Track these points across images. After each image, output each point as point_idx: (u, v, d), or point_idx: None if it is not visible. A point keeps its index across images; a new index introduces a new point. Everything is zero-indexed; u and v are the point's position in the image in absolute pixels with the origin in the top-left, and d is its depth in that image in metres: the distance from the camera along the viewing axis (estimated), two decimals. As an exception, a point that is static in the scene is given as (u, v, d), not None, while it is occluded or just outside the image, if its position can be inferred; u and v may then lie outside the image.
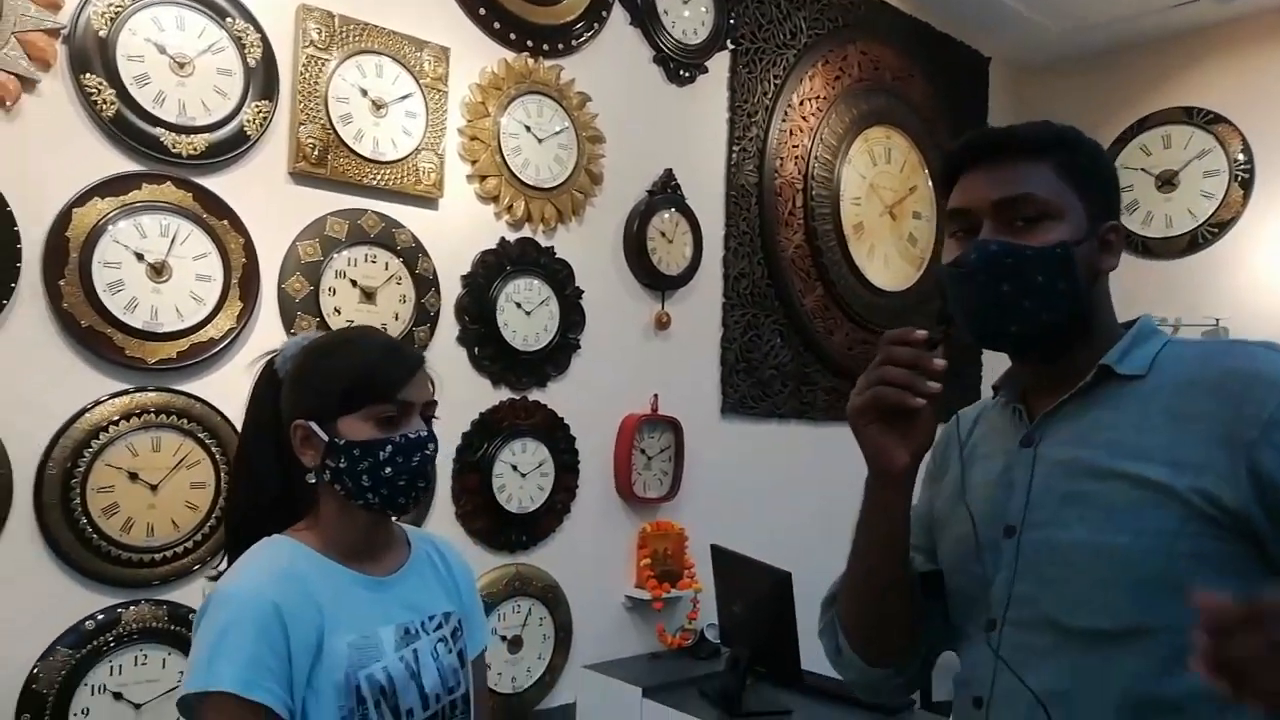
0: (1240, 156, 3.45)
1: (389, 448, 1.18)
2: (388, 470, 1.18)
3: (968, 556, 1.07)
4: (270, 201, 1.97)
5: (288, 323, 1.98)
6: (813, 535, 3.10)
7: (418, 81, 2.16)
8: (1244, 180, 3.44)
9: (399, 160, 2.13)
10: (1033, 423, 1.05)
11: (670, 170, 2.68)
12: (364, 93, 2.08)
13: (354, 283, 2.07)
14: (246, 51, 1.92)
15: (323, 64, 2.02)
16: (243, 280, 1.91)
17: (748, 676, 2.27)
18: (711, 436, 2.82)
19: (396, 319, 2.14)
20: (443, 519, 2.24)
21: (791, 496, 3.06)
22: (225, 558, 1.25)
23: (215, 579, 1.21)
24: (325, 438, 1.18)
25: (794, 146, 3.02)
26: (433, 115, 2.18)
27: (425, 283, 2.19)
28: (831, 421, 3.18)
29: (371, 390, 1.19)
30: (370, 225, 2.10)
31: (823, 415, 3.15)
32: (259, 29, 1.94)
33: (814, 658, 2.72)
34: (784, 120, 2.99)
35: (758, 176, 2.94)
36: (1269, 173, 3.39)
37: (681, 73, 2.74)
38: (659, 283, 2.66)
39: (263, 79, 1.94)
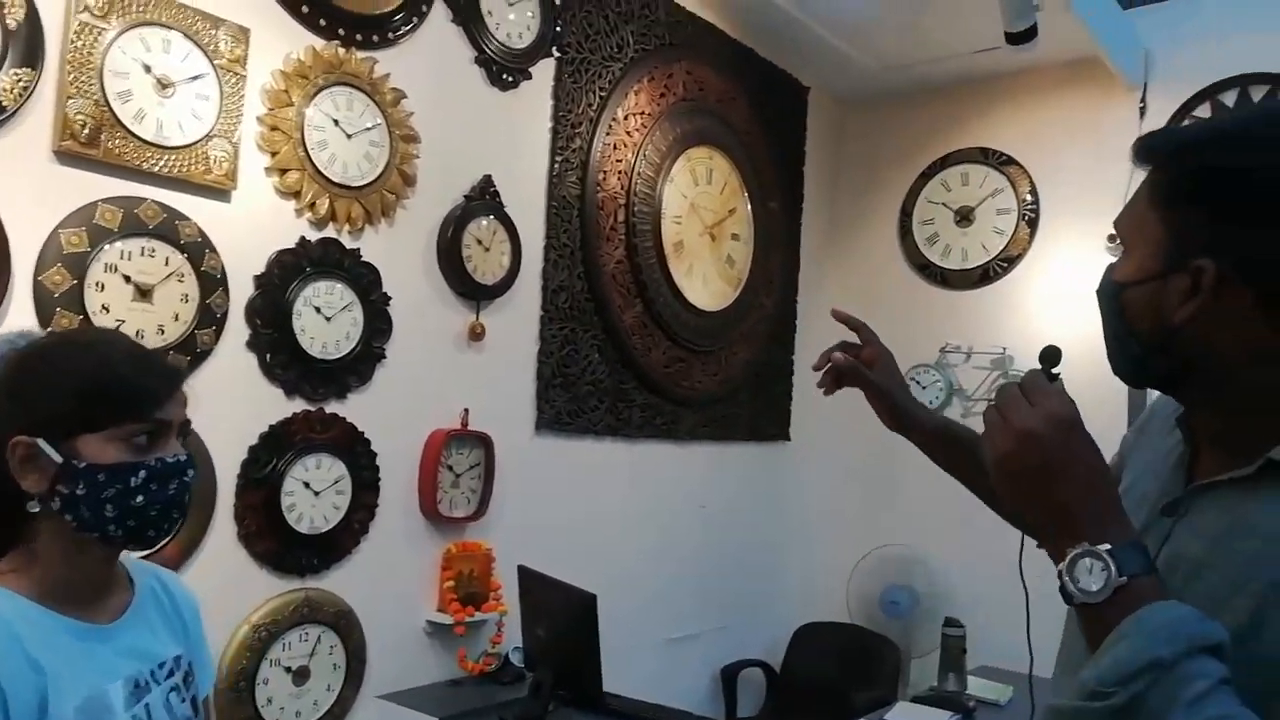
0: (1028, 197, 3.70)
1: (142, 473, 1.03)
2: (139, 499, 1.03)
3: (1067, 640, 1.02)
4: (29, 183, 1.75)
5: (44, 320, 1.76)
6: (626, 554, 3.09)
7: (211, 62, 1.98)
8: (1030, 219, 3.69)
9: (187, 146, 1.94)
10: (1188, 485, 0.90)
11: (489, 176, 2.59)
12: (147, 69, 1.88)
13: (127, 278, 1.86)
14: (6, 12, 1.69)
15: (99, 33, 1.81)
16: (-11, 270, 1.68)
17: (550, 701, 2.20)
18: (524, 453, 2.74)
19: (177, 319, 1.94)
20: (223, 540, 2.05)
21: (605, 515, 3.02)
22: None
23: None
24: (58, 459, 1.00)
25: (617, 161, 2.99)
26: (228, 100, 2.00)
27: (212, 281, 2.00)
28: (647, 439, 3.17)
29: (122, 406, 1.03)
30: (149, 215, 1.90)
31: (638, 433, 3.13)
32: (21, -13, 1.72)
33: (616, 679, 2.69)
34: (608, 134, 2.95)
35: (580, 189, 2.89)
36: (1051, 214, 3.65)
37: (505, 76, 2.65)
38: (474, 292, 2.55)
39: (24, 44, 1.72)
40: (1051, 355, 0.88)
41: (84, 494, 1.01)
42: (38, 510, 1.03)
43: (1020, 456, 0.80)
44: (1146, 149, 0.87)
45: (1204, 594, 0.79)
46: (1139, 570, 0.76)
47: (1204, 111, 3.38)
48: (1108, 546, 0.76)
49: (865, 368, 1.37)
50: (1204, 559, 0.81)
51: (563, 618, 2.23)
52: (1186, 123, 3.35)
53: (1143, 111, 3.49)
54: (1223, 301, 0.80)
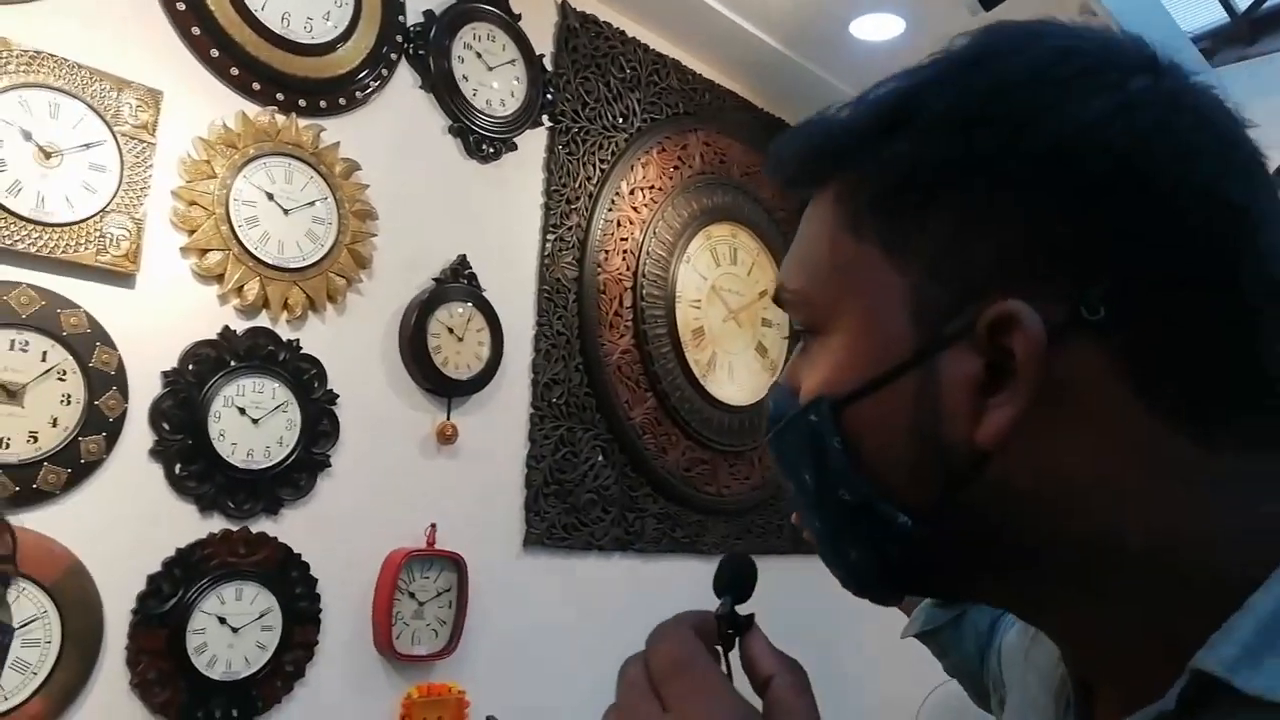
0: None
1: None
2: None
3: None
4: None
5: (-123, 427, 1.47)
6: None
7: (111, 128, 1.72)
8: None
9: (75, 223, 1.67)
10: None
11: (464, 256, 2.28)
12: (27, 136, 1.63)
13: (-10, 376, 1.57)
14: None
15: (-36, 94, 1.57)
16: None
17: None
18: (508, 574, 2.34)
19: (54, 424, 1.63)
20: (111, 691, 1.69)
21: (613, 645, 2.57)
22: None
23: None
24: None
25: (622, 239, 2.66)
26: (130, 171, 1.74)
27: (104, 379, 1.69)
28: (665, 554, 2.75)
29: None
30: (23, 303, 1.61)
31: (653, 547, 2.71)
32: None
33: None
34: (610, 209, 2.63)
35: (578, 270, 2.56)
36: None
37: (484, 147, 2.36)
38: (444, 388, 2.21)
39: None
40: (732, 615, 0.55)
41: None
42: None
43: None
44: (823, 153, 0.54)
45: None
46: None
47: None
48: None
49: None
50: None
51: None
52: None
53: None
54: (1064, 372, 0.43)
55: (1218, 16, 3.59)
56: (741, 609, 0.54)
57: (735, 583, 0.54)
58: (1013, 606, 0.53)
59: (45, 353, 1.63)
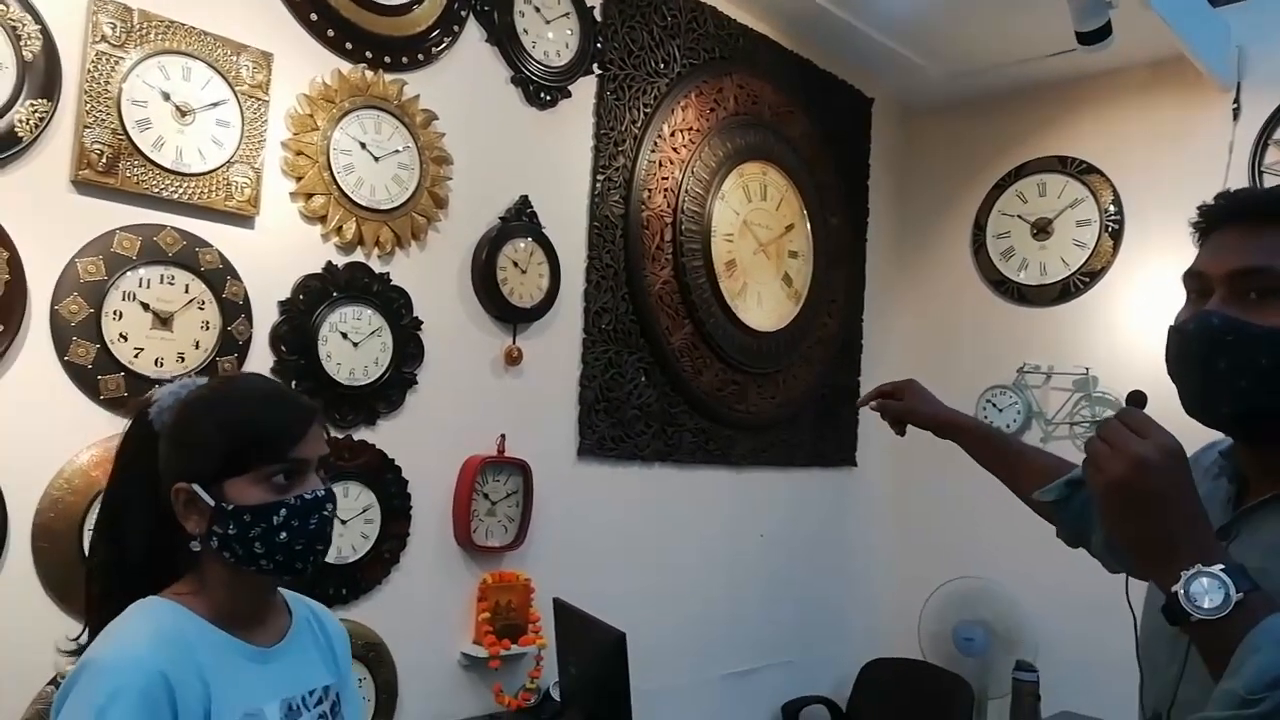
0: (1111, 207, 3.47)
1: (284, 511, 1.11)
2: (283, 535, 1.11)
3: (1144, 638, 1.07)
4: (46, 213, 1.75)
5: (61, 349, 1.76)
6: (678, 585, 2.98)
7: (233, 88, 1.97)
8: (1114, 231, 3.46)
9: (207, 173, 1.93)
10: (1237, 511, 0.99)
11: (526, 197, 2.53)
12: (166, 97, 1.88)
13: (145, 306, 1.85)
14: (22, 44, 1.71)
15: (116, 62, 1.81)
16: (5, 300, 1.68)
17: (581, 744, 2.10)
18: (565, 480, 2.65)
19: (197, 347, 1.92)
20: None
21: (655, 544, 2.91)
22: (85, 628, 1.16)
23: (77, 652, 1.11)
24: (211, 502, 1.10)
25: (663, 179, 2.91)
26: (249, 126, 1.99)
27: (234, 308, 1.98)
28: (699, 465, 3.06)
29: (261, 449, 1.11)
30: (169, 243, 1.89)
31: (689, 458, 3.01)
32: (38, 19, 1.72)
33: (669, 716, 2.57)
34: (653, 151, 2.87)
35: (624, 208, 2.81)
36: (1136, 225, 3.41)
37: (542, 95, 2.60)
38: (510, 315, 2.49)
39: (41, 75, 1.73)
40: (1139, 398, 0.95)
41: (234, 534, 1.10)
42: (199, 549, 1.13)
43: (1132, 483, 0.86)
44: None
45: (1272, 594, 0.84)
46: (1251, 587, 0.82)
47: (1305, 110, 3.11)
48: (1222, 566, 0.83)
49: (895, 401, 1.60)
50: (1263, 566, 0.87)
51: (594, 656, 2.13)
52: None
53: (1236, 114, 3.24)
54: None
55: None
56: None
57: (1138, 398, 0.95)
58: (1262, 440, 0.97)
59: (188, 285, 1.91)
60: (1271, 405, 0.93)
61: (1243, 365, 0.92)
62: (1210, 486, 1.03)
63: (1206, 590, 0.82)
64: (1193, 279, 1.00)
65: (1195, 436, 1.06)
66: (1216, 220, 1.00)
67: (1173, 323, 1.01)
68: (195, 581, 1.15)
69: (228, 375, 1.87)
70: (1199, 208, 1.04)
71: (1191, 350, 0.95)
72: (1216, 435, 1.09)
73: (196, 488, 1.10)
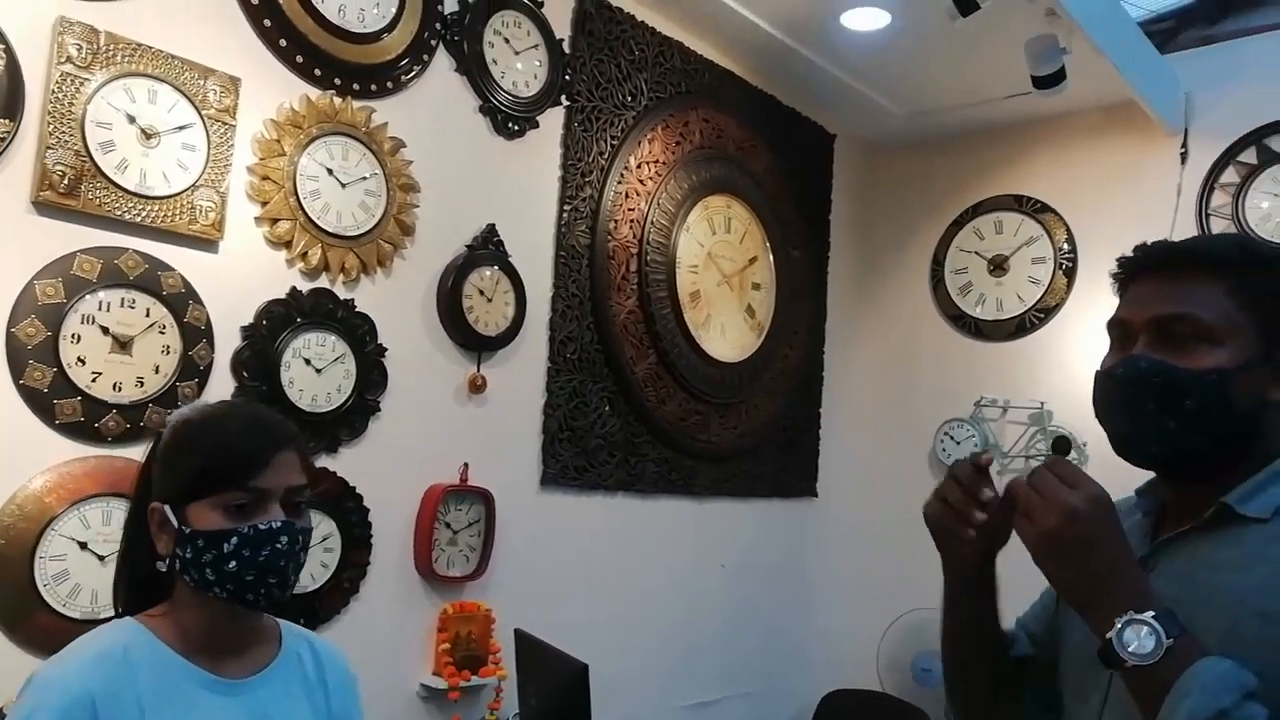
0: (1065, 245, 3.56)
1: (234, 540, 1.10)
2: (232, 564, 1.09)
3: (1064, 669, 1.11)
4: (4, 233, 1.72)
5: (16, 372, 1.72)
6: (640, 616, 2.97)
7: (199, 112, 1.96)
8: (1068, 269, 3.54)
9: (171, 196, 1.91)
10: (1155, 542, 1.04)
11: (493, 225, 2.54)
12: (131, 119, 1.86)
13: (105, 329, 1.83)
14: (-15, 63, 1.69)
15: (81, 84, 1.79)
16: (-41, 321, 1.65)
17: (542, 778, 2.08)
18: (528, 510, 2.64)
19: (157, 372, 1.90)
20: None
21: (617, 574, 2.91)
22: None
23: None
24: (175, 524, 1.11)
25: (630, 209, 2.93)
26: (215, 150, 1.98)
27: (195, 333, 1.96)
28: (662, 494, 3.06)
29: (221, 476, 1.11)
30: (130, 266, 1.87)
31: (652, 488, 3.02)
32: (2, 39, 1.70)
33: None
34: (620, 182, 2.89)
35: (590, 238, 2.82)
36: (1089, 263, 3.50)
37: (511, 125, 2.61)
38: (475, 343, 2.49)
39: (4, 95, 1.70)
40: (1064, 445, 1.03)
41: (189, 557, 1.10)
42: (164, 570, 1.13)
43: (1063, 532, 0.91)
44: (1241, 255, 0.99)
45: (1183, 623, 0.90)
46: (1179, 632, 0.86)
47: (1249, 157, 3.22)
48: (1152, 613, 0.87)
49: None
50: (1177, 596, 0.93)
51: (555, 687, 2.12)
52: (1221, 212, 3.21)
53: (1184, 157, 3.35)
54: None
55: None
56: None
57: (1061, 445, 1.03)
58: (1187, 477, 1.02)
59: (149, 310, 1.89)
60: (1197, 446, 0.97)
61: (1170, 407, 0.96)
62: (1136, 526, 1.08)
63: (1139, 637, 0.85)
64: (1116, 327, 1.04)
65: (1128, 478, 1.12)
66: (1135, 271, 1.04)
67: (1098, 369, 1.05)
68: (169, 605, 1.15)
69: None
70: (1118, 260, 1.08)
71: (1121, 394, 0.99)
72: (1145, 475, 1.12)
73: (166, 508, 1.12)
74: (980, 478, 1.05)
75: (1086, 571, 0.90)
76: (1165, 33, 3.85)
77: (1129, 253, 1.05)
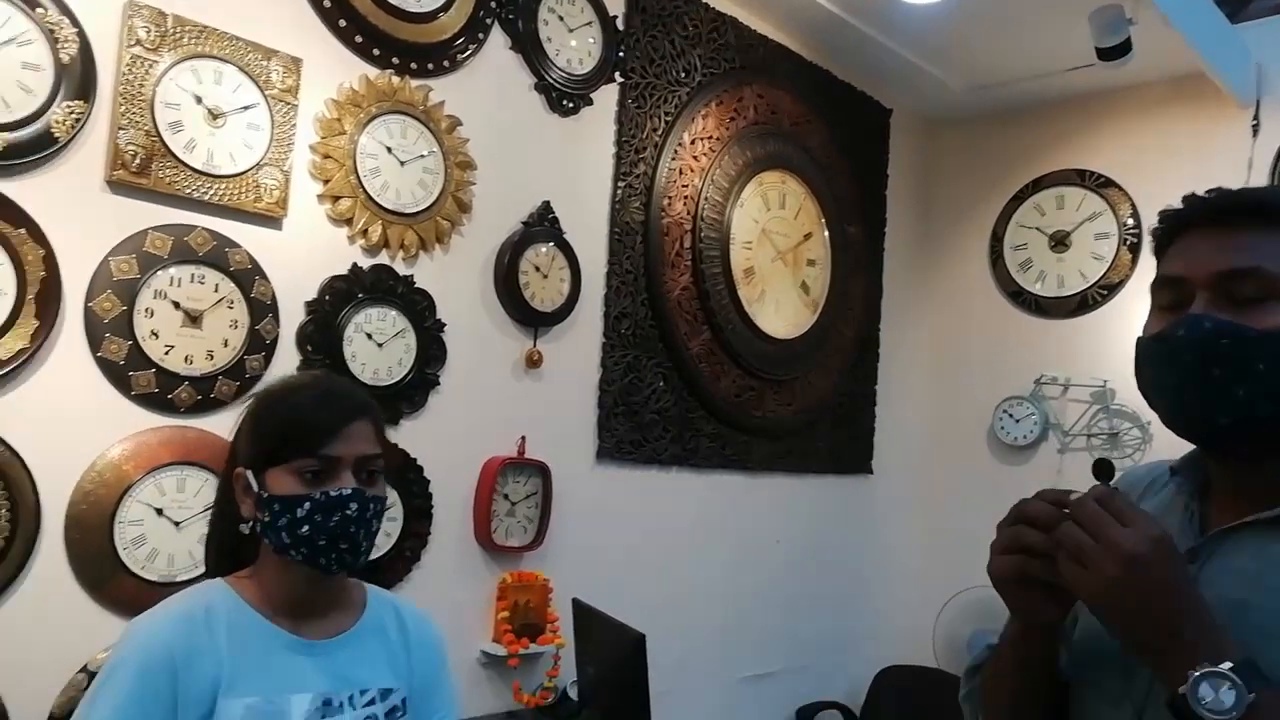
0: (1129, 220, 3.48)
1: (306, 505, 1.14)
2: (305, 529, 1.14)
3: (1102, 665, 0.95)
4: (80, 212, 1.79)
5: (94, 345, 1.79)
6: (694, 588, 2.99)
7: (263, 92, 2.01)
8: (1132, 244, 3.46)
9: (237, 175, 1.97)
10: (1204, 534, 0.92)
11: (548, 202, 2.56)
12: (198, 100, 1.92)
13: (176, 304, 1.89)
14: (60, 46, 1.75)
15: (150, 65, 1.85)
16: (41, 296, 1.72)
17: (598, 744, 2.12)
18: (584, 482, 2.68)
19: (225, 345, 1.96)
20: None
21: (672, 547, 2.93)
22: None
23: None
24: (256, 489, 1.17)
25: (683, 186, 2.93)
26: (279, 129, 2.03)
27: (262, 308, 2.01)
28: (715, 469, 3.08)
29: (296, 443, 1.16)
30: (199, 243, 1.93)
31: (705, 463, 3.03)
32: (75, 22, 1.77)
33: (684, 718, 2.57)
34: (673, 159, 2.90)
35: (644, 215, 2.84)
36: (1155, 236, 3.41)
37: (565, 103, 2.63)
38: (531, 319, 2.52)
39: (78, 77, 1.77)
40: (1106, 469, 0.89)
41: (268, 520, 1.15)
42: (248, 532, 1.19)
43: (1127, 582, 0.80)
44: None
45: (1252, 629, 0.82)
46: (1262, 685, 0.77)
47: (1325, 124, 3.11)
48: (1230, 665, 0.77)
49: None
50: (1246, 599, 0.84)
51: (613, 656, 2.15)
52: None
53: (1255, 130, 3.25)
54: None
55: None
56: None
57: (1105, 468, 0.90)
58: (1242, 455, 0.91)
59: (217, 285, 1.95)
60: (1270, 415, 0.86)
61: (1240, 372, 0.85)
62: (1171, 506, 0.97)
63: (1216, 691, 0.77)
64: (1169, 286, 0.93)
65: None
66: (1186, 223, 0.93)
67: (1143, 335, 0.95)
68: (254, 567, 1.21)
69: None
70: (1162, 213, 0.98)
71: (1182, 359, 0.88)
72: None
73: (249, 474, 1.17)
74: (1059, 513, 0.87)
75: (1155, 624, 0.80)
76: (1235, 1, 3.73)
77: (1178, 206, 0.94)
